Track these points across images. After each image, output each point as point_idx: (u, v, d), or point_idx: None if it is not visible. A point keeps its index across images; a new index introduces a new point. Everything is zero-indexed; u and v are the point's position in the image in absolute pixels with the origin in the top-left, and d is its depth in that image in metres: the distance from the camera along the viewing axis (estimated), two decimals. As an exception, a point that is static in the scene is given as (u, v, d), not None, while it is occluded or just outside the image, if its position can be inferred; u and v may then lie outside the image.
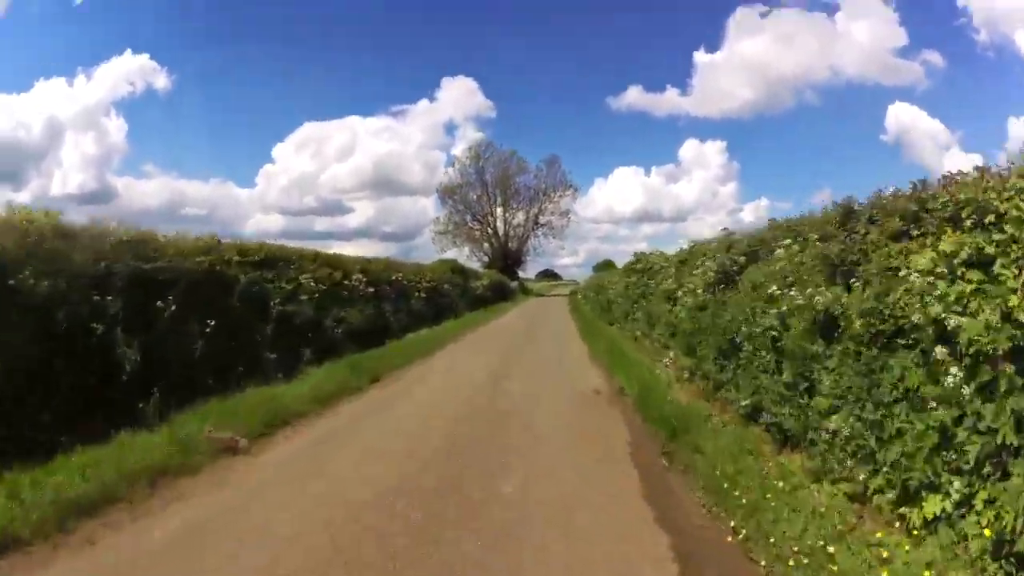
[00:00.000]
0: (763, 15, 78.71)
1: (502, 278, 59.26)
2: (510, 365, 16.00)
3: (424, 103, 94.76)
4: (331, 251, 19.77)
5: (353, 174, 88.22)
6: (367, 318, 18.56)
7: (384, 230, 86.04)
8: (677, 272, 16.16)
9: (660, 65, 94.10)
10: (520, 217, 76.59)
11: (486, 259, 72.76)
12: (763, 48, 79.85)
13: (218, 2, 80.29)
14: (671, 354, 13.63)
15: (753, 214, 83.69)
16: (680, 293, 14.20)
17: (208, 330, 11.31)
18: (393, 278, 24.01)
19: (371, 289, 19.44)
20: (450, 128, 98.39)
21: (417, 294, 26.21)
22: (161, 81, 75.99)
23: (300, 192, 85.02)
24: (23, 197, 67.70)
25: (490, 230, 75.89)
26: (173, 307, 10.76)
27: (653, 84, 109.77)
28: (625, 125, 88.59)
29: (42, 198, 63.85)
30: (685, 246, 17.11)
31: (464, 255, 70.36)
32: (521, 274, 77.91)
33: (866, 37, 73.30)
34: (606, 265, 62.56)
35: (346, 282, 18.40)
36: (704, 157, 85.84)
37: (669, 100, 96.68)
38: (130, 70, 74.11)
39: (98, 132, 68.13)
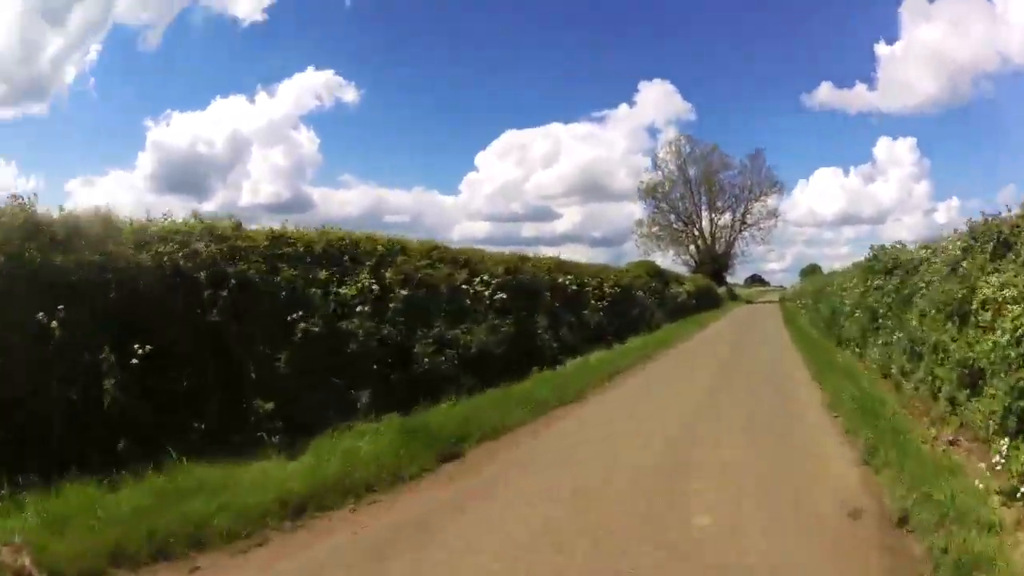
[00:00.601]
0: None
1: (709, 283, 51.75)
2: (699, 434, 8.70)
3: (624, 108, 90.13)
4: (450, 244, 13.76)
5: (559, 180, 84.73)
6: (502, 338, 12.08)
7: (593, 235, 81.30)
8: (964, 269, 8.48)
9: (846, 59, 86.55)
10: (727, 218, 68.91)
11: (693, 263, 65.67)
12: (937, 36, 71.40)
13: (402, 16, 79.78)
14: (999, 444, 6.13)
15: (946, 215, 72.97)
16: (979, 304, 7.39)
17: (135, 361, 6.56)
18: (559, 281, 17.39)
19: (501, 295, 12.83)
20: (652, 132, 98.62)
21: (594, 303, 19.25)
22: (350, 95, 77.24)
23: (505, 199, 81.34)
24: (209, 207, 72.09)
25: (696, 231, 68.41)
26: (53, 323, 6.24)
27: (842, 80, 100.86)
28: (820, 124, 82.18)
29: (229, 207, 66.03)
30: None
31: (670, 259, 64.47)
32: (729, 279, 70.58)
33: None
34: (812, 270, 56.66)
35: (464, 287, 12.06)
36: (896, 155, 78.22)
37: (859, 96, 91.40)
38: (315, 85, 76.04)
39: (288, 145, 69.18)
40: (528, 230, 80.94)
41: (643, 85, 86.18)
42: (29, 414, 5.97)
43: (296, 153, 69.08)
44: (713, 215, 68.44)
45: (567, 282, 17.80)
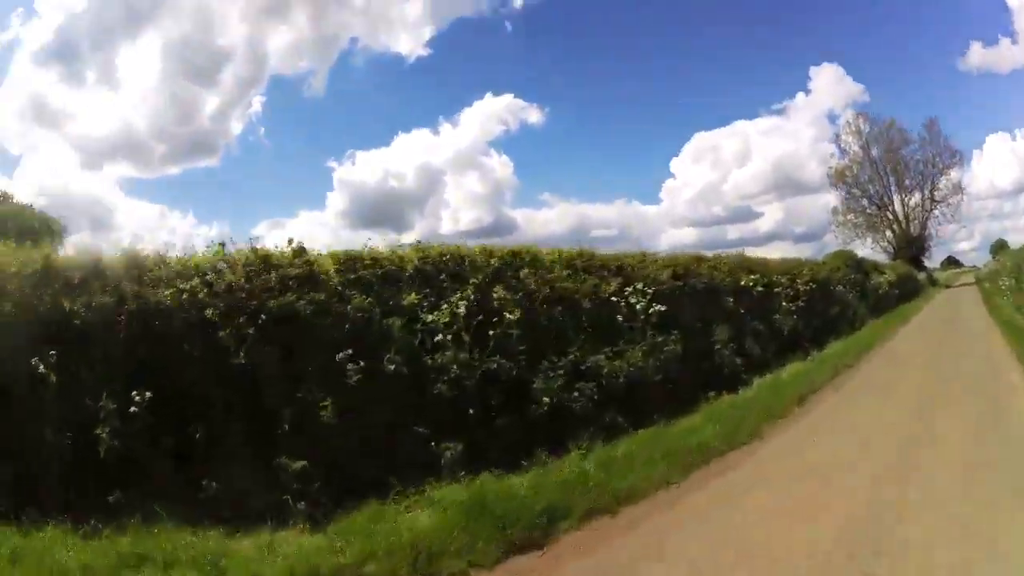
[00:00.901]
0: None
1: (909, 270, 44.25)
2: (900, 501, 5.35)
3: (801, 97, 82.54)
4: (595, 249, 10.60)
5: (754, 178, 78.69)
6: (666, 360, 9.02)
7: (795, 231, 73.35)
8: None
9: (985, 15, 72.73)
10: (916, 197, 59.45)
11: (891, 249, 57.27)
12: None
13: (566, 32, 74.61)
14: None
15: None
16: None
17: (133, 408, 5.45)
18: (743, 283, 13.82)
19: (658, 307, 9.51)
20: (832, 118, 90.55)
21: (785, 304, 15.33)
22: (534, 116, 73.74)
23: (706, 203, 75.56)
24: (410, 238, 71.03)
25: (889, 215, 59.65)
26: (41, 368, 5.46)
27: (989, 38, 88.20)
28: (979, 87, 70.94)
29: (429, 236, 64.82)
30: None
31: (868, 247, 56.67)
32: (927, 263, 60.78)
33: None
34: (1001, 246, 52.32)
35: (615, 299, 9.20)
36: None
37: (1007, 52, 78.51)
38: (497, 111, 73.73)
39: (481, 171, 67.15)
40: (733, 232, 74.41)
41: (813, 71, 78.57)
42: (34, 459, 5.41)
43: (491, 178, 67.58)
44: (903, 195, 59.84)
45: (751, 283, 14.18)
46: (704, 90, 78.12)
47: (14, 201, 24.97)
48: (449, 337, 6.72)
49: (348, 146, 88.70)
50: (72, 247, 6.46)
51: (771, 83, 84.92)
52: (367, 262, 7.09)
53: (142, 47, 58.98)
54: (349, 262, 7.04)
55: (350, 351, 6.05)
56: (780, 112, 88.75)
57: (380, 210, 61.87)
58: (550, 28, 71.61)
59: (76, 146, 56.48)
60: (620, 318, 9.22)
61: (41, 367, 5.44)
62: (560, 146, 72.64)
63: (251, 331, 5.81)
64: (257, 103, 65.79)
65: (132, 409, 5.41)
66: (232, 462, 5.58)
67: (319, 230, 64.90)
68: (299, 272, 6.41)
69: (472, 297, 7.21)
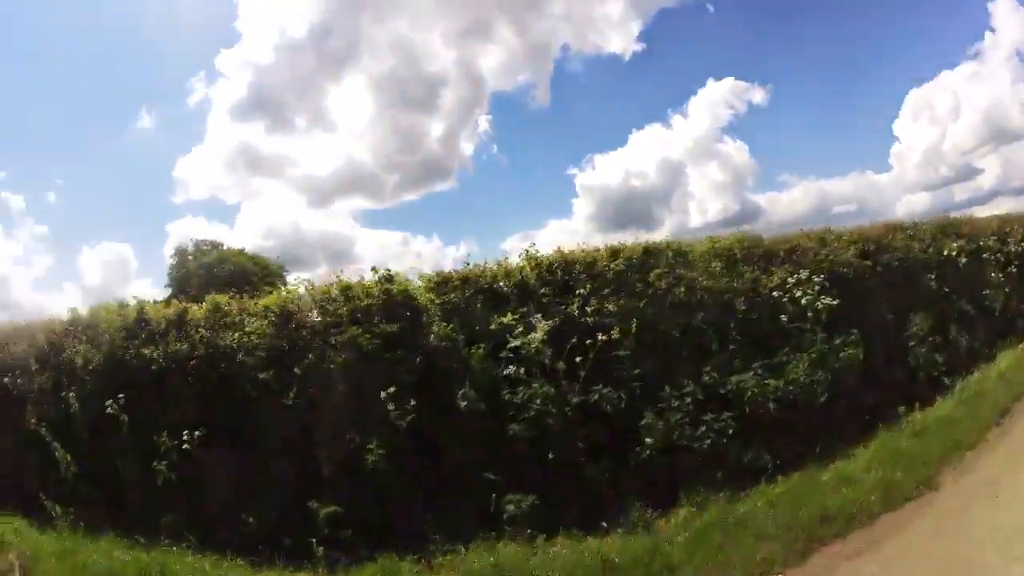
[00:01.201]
0: None
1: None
2: None
3: (989, 36, 70.02)
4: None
5: (970, 131, 67.69)
6: (839, 370, 6.95)
7: (1013, 184, 62.89)
8: None
9: None
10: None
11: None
12: None
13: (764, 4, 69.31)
14: None
15: None
16: None
17: (184, 445, 5.68)
18: (946, 253, 10.80)
19: (826, 299, 7.23)
20: (1021, 56, 73.81)
21: (995, 275, 11.69)
22: (758, 96, 67.86)
23: (932, 164, 66.87)
24: (660, 235, 69.40)
25: (1102, 159, 48.78)
26: (110, 408, 6.07)
27: None
28: None
29: (680, 231, 62.54)
30: None
31: None
32: None
33: None
34: None
35: (777, 295, 7.28)
36: None
37: None
38: (722, 96, 68.50)
39: (719, 159, 63.06)
40: (960, 193, 65.54)
41: (991, 7, 65.77)
42: (114, 485, 6.06)
43: (730, 164, 63.92)
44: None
45: (955, 252, 11.08)
46: (907, 43, 68.98)
47: (225, 248, 26.86)
48: (522, 370, 5.48)
49: (585, 151, 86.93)
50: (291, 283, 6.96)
51: (959, 22, 72.76)
52: (455, 283, 6.05)
53: (348, 87, 61.31)
54: (441, 284, 6.04)
55: (392, 389, 5.31)
56: (975, 56, 76.10)
57: (626, 210, 60.11)
58: (749, 4, 66.70)
59: (299, 187, 59.80)
60: (784, 319, 7.20)
61: (111, 408, 6.00)
62: (788, 123, 67.53)
63: (297, 371, 5.48)
64: (484, 122, 66.11)
65: (184, 447, 5.65)
66: (274, 501, 5.53)
67: (569, 237, 64.40)
68: (371, 303, 5.54)
69: (577, 312, 5.88)
